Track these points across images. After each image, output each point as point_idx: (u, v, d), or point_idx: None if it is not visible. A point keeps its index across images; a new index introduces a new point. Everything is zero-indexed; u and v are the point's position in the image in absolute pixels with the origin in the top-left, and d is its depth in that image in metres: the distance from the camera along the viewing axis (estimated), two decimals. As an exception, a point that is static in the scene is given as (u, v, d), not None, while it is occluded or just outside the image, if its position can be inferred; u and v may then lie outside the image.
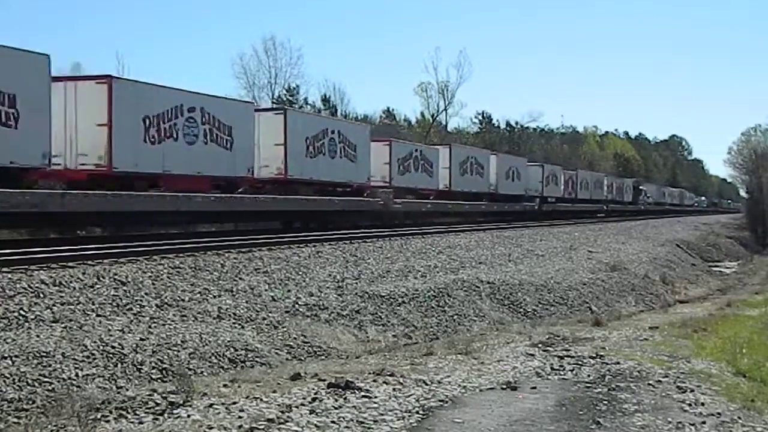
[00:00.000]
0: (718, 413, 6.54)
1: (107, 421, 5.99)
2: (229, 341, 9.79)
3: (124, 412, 6.20)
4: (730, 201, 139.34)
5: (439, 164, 35.29)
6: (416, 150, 34.22)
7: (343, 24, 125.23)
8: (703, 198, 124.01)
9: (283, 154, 23.89)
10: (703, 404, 6.82)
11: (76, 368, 7.91)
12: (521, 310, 15.80)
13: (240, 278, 13.17)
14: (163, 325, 9.88)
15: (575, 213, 51.28)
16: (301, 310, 12.04)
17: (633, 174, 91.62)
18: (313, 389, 7.00)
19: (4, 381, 7.30)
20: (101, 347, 8.51)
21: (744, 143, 77.37)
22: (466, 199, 37.00)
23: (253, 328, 10.63)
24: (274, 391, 6.95)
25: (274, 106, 22.14)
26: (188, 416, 6.04)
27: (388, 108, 78.27)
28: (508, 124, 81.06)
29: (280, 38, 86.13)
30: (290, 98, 61.85)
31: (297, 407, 6.32)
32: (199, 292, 11.80)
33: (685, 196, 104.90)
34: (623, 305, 18.54)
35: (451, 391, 7.15)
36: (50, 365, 7.83)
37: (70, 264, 12.19)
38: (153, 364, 8.52)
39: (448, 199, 35.27)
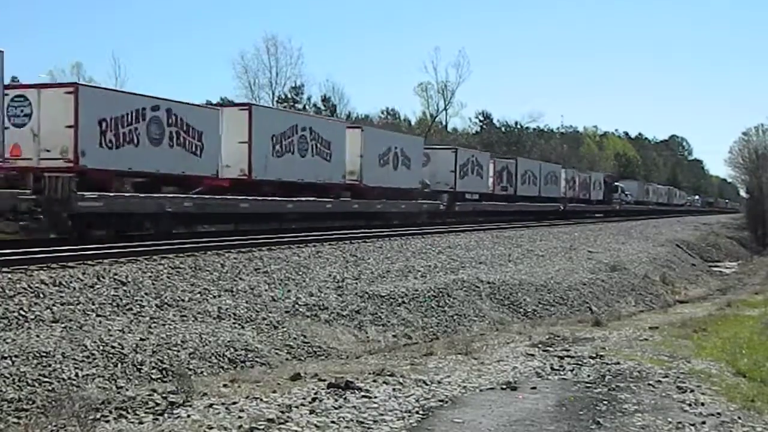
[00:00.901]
0: (718, 413, 6.54)
1: (107, 421, 6.00)
2: (229, 341, 9.79)
3: (124, 412, 6.20)
4: (727, 201, 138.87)
5: (223, 137, 21.11)
6: (157, 108, 18.71)
7: (343, 24, 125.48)
8: (696, 197, 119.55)
9: None
10: (703, 404, 6.82)
11: (76, 368, 7.91)
12: (521, 310, 15.80)
13: (240, 278, 13.17)
14: (163, 325, 9.89)
15: (511, 215, 38.31)
16: (301, 310, 12.04)
17: (633, 174, 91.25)
18: (313, 389, 7.00)
19: (4, 381, 7.30)
20: (101, 347, 8.51)
21: (744, 143, 77.42)
22: (295, 194, 23.46)
23: (253, 328, 10.63)
24: (274, 391, 6.95)
25: None
26: (188, 416, 6.04)
27: (388, 108, 78.46)
28: (506, 124, 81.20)
29: (281, 38, 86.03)
30: (294, 97, 62.11)
31: (297, 407, 6.32)
32: (199, 292, 11.80)
33: (674, 195, 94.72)
34: (623, 305, 18.56)
35: (451, 391, 7.15)
36: (50, 365, 7.83)
37: (70, 264, 12.20)
38: (153, 364, 8.52)
39: (249, 193, 21.43)
